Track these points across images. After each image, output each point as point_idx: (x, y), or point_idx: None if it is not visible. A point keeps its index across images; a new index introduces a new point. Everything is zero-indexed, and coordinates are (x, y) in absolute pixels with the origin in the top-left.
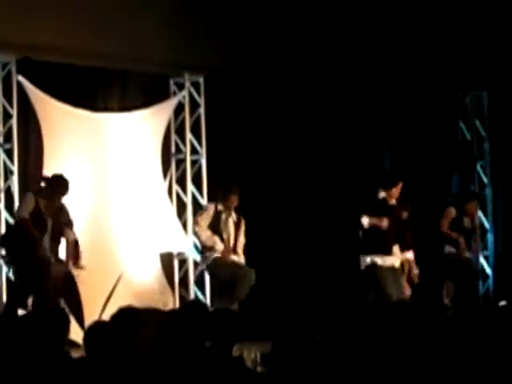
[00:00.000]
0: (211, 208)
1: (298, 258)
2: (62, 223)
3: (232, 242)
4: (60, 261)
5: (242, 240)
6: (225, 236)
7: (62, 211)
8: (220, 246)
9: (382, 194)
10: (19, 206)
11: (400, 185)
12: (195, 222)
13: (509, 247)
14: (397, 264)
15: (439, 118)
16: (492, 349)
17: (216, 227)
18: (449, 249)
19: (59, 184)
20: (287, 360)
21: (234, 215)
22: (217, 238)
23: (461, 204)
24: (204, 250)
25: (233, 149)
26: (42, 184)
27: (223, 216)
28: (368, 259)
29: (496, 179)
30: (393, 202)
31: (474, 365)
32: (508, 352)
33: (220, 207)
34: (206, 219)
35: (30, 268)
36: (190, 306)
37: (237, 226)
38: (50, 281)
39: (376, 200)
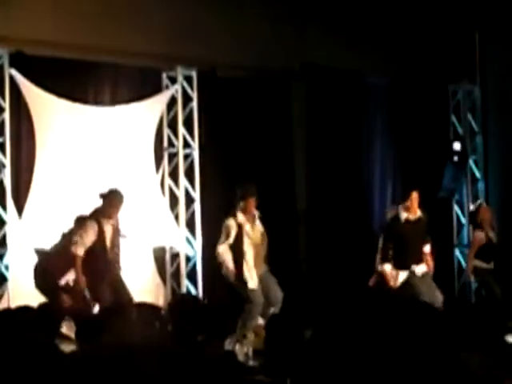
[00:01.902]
0: (231, 222)
1: (291, 252)
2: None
3: (261, 253)
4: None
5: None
6: (251, 252)
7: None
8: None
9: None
10: (78, 237)
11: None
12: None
13: (501, 241)
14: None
15: (431, 112)
16: (483, 343)
17: (239, 248)
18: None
19: (117, 197)
20: (279, 354)
21: (258, 223)
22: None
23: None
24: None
25: (225, 142)
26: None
27: (246, 227)
28: None
29: (488, 173)
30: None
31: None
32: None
33: (240, 217)
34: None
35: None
36: (181, 300)
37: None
38: None
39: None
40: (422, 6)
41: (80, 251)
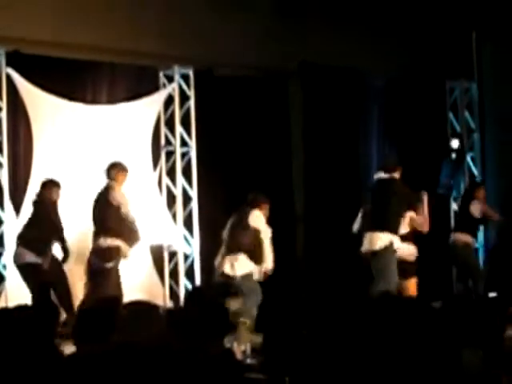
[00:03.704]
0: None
1: (288, 253)
2: None
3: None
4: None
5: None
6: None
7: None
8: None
9: None
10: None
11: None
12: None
13: (499, 239)
14: None
15: (429, 110)
16: (481, 340)
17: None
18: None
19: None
20: (277, 352)
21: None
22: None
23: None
24: None
25: (222, 141)
26: None
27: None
28: None
29: (486, 170)
30: None
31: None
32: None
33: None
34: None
35: None
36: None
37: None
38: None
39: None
40: (419, 3)
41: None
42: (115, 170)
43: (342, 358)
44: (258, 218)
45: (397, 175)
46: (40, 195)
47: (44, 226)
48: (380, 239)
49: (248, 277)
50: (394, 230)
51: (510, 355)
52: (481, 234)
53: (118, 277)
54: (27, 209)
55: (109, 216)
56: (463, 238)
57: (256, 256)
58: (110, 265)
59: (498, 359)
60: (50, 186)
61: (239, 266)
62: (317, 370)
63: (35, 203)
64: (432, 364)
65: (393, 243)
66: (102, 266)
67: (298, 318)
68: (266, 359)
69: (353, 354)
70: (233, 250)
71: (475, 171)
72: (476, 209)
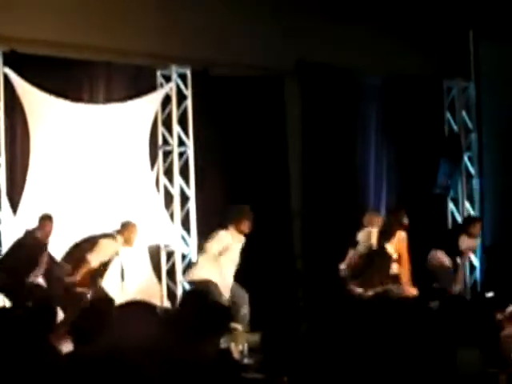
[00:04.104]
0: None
1: (285, 250)
2: None
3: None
4: None
5: None
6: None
7: None
8: None
9: None
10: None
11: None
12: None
13: (496, 238)
14: None
15: (426, 109)
16: (478, 339)
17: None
18: None
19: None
20: (275, 352)
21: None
22: None
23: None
24: None
25: (220, 140)
26: None
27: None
28: None
29: (483, 170)
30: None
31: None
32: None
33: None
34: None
35: None
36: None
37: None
38: None
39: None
40: (416, 3)
41: (94, 262)
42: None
43: (339, 357)
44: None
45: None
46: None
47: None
48: None
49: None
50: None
51: (506, 354)
52: None
53: None
54: (24, 207)
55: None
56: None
57: None
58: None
59: (494, 358)
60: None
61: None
62: (315, 369)
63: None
64: (429, 363)
65: None
66: None
67: (296, 316)
68: (263, 359)
69: (350, 353)
70: None
71: (472, 171)
72: (463, 243)
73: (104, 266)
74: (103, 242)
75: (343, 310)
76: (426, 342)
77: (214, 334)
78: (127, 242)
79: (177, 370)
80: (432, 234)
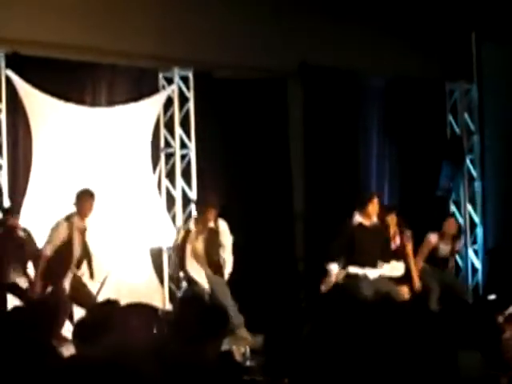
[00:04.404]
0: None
1: (287, 252)
2: None
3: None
4: None
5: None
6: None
7: None
8: None
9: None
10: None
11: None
12: None
13: (498, 241)
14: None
15: (428, 112)
16: (479, 341)
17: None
18: None
19: (86, 194)
20: (276, 354)
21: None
22: None
23: None
24: None
25: (222, 143)
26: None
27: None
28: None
29: (485, 173)
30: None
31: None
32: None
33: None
34: None
35: None
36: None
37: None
38: None
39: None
40: (418, 5)
41: (48, 250)
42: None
43: (341, 359)
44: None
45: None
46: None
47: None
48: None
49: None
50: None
51: (507, 357)
52: (479, 236)
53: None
54: (26, 209)
55: None
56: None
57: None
58: None
59: (496, 361)
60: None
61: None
62: (316, 371)
63: None
64: (431, 365)
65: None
66: None
67: (298, 318)
68: (265, 361)
69: (352, 355)
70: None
71: (474, 173)
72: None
73: (66, 252)
74: (51, 228)
75: (345, 312)
76: (428, 344)
77: (214, 337)
78: (80, 213)
79: (178, 372)
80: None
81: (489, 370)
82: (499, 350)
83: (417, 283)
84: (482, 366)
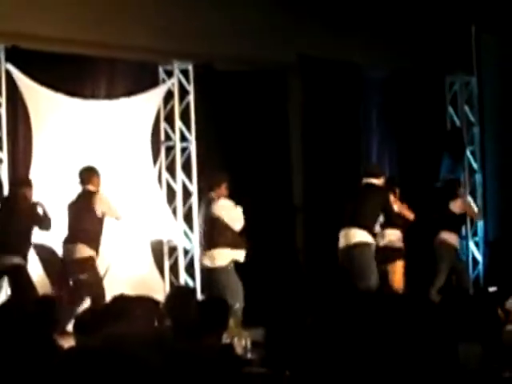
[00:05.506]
0: None
1: (288, 243)
2: None
3: None
4: None
5: None
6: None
7: None
8: None
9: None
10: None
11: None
12: None
13: (499, 233)
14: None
15: (428, 104)
16: (480, 334)
17: None
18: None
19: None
20: (277, 346)
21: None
22: None
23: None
24: None
25: (222, 135)
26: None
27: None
28: None
29: (485, 165)
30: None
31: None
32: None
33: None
34: None
35: None
36: (178, 293)
37: None
38: None
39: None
40: None
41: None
42: (89, 173)
43: (342, 351)
44: (220, 207)
45: (380, 182)
46: (13, 193)
47: (18, 225)
48: (356, 235)
49: (224, 269)
50: (369, 228)
51: (509, 349)
52: (480, 228)
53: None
54: None
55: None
56: (448, 238)
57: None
58: (83, 276)
59: (497, 353)
60: (23, 184)
61: (217, 258)
62: (318, 363)
63: (5, 203)
64: (431, 357)
65: (369, 241)
66: (76, 277)
67: (299, 311)
68: (266, 353)
69: (353, 347)
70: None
71: (475, 165)
72: (457, 206)
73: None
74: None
75: (346, 304)
76: (428, 336)
77: (214, 329)
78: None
79: (179, 364)
80: (434, 228)
81: (489, 363)
82: (500, 342)
83: (410, 216)
84: (482, 359)
